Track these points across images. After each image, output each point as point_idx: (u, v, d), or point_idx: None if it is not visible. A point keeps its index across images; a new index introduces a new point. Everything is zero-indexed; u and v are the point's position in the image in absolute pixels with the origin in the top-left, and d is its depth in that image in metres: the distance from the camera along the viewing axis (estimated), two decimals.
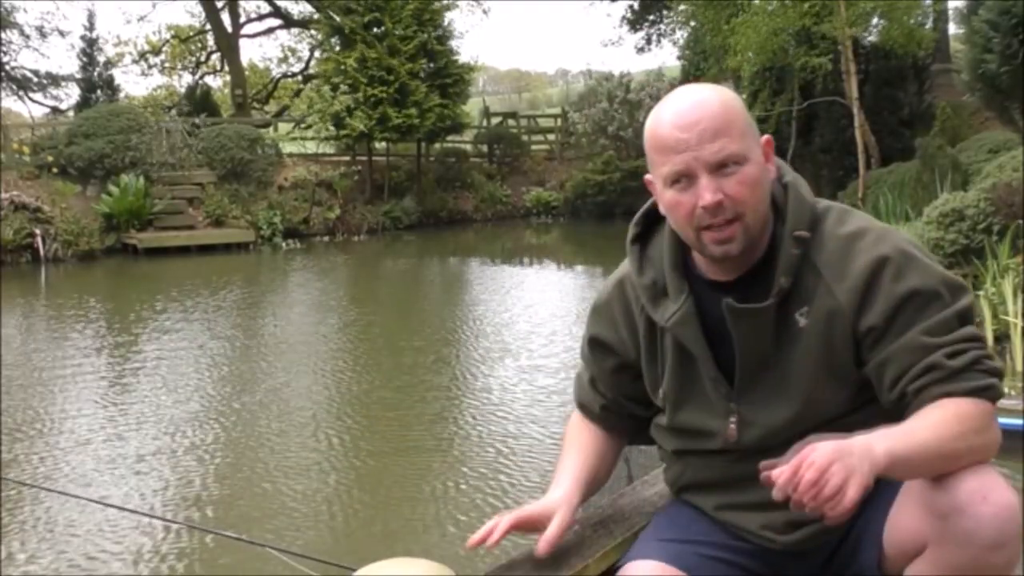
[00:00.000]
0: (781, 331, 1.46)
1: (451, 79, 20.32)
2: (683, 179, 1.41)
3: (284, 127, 23.35)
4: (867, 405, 1.48)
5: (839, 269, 1.44)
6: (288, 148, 21.56)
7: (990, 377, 1.40)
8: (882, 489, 1.47)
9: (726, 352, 1.50)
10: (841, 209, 1.52)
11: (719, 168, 1.39)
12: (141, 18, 39.28)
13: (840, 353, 1.45)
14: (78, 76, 22.03)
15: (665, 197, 1.46)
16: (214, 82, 28.92)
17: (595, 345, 1.69)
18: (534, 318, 10.12)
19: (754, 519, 1.55)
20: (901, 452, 1.28)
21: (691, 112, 1.41)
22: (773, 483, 1.24)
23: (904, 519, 1.41)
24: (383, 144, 20.82)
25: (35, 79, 24.00)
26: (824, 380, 1.46)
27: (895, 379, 1.40)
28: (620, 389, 1.68)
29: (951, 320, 1.40)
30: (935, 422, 1.33)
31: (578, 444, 1.72)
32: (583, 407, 1.75)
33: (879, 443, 1.28)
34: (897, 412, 1.42)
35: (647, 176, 1.52)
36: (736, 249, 1.43)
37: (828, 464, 1.22)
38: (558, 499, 1.60)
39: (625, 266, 1.64)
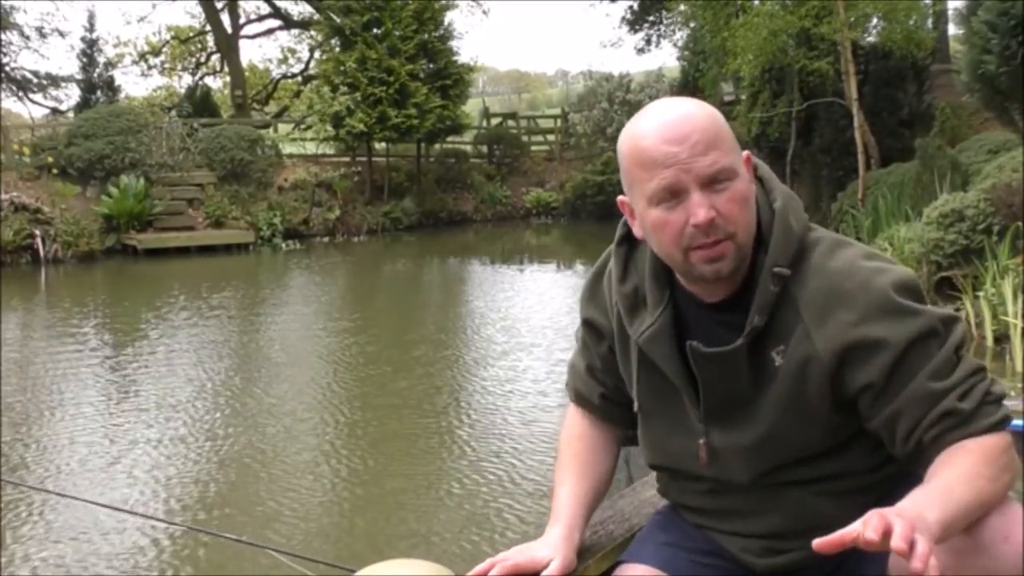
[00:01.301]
0: (757, 368, 1.40)
1: (451, 79, 20.33)
2: (672, 196, 1.32)
3: (284, 128, 23.36)
4: (841, 448, 1.44)
5: (820, 314, 1.36)
6: (288, 149, 21.58)
7: (1000, 407, 1.36)
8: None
9: None
10: (832, 241, 1.42)
11: (711, 183, 1.31)
12: (141, 19, 39.57)
13: (812, 399, 1.38)
14: (78, 77, 22.05)
15: (649, 217, 1.35)
16: (214, 83, 28.97)
17: (590, 328, 1.61)
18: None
19: (733, 542, 1.53)
20: (950, 519, 1.22)
21: (680, 125, 1.32)
22: (831, 548, 1.14)
23: None
24: (383, 145, 20.82)
25: (35, 80, 24.02)
26: (794, 421, 1.40)
27: (909, 431, 1.35)
28: (619, 374, 1.58)
29: (951, 357, 1.35)
30: (968, 473, 1.28)
31: (575, 461, 1.63)
32: (581, 398, 1.66)
33: (930, 512, 1.20)
34: (910, 460, 1.39)
35: (621, 198, 1.43)
36: (727, 268, 1.35)
37: (914, 529, 1.13)
38: (555, 540, 1.51)
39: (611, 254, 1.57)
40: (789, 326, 1.38)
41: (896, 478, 1.48)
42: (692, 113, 1.35)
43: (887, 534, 1.10)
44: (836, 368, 1.36)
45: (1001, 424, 1.35)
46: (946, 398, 1.33)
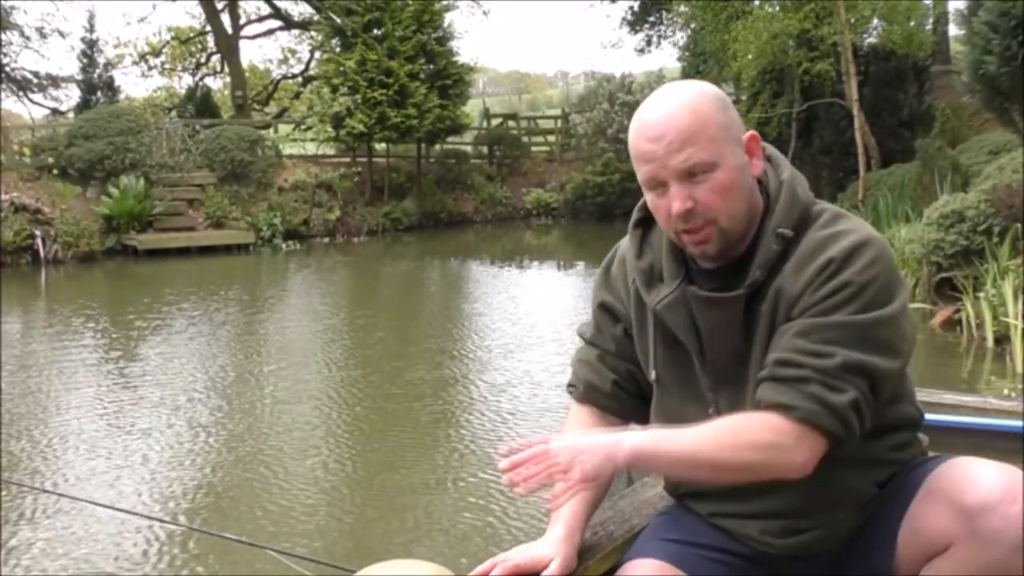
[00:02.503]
0: (750, 323, 1.47)
1: (451, 80, 20.33)
2: (657, 186, 1.45)
3: (284, 128, 23.36)
4: None
5: (803, 263, 1.44)
6: (288, 150, 21.58)
7: (816, 404, 1.36)
8: (896, 490, 1.49)
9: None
10: (834, 212, 1.50)
11: (689, 176, 1.42)
12: (141, 19, 39.50)
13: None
14: (78, 77, 22.04)
15: (648, 200, 1.51)
16: (214, 83, 28.95)
17: (604, 311, 1.67)
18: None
19: (752, 526, 1.55)
20: (647, 450, 1.39)
21: (658, 124, 1.43)
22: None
23: (926, 518, 1.40)
24: (383, 146, 20.83)
25: (35, 80, 24.00)
26: None
27: (760, 367, 1.45)
28: (632, 358, 1.64)
29: (838, 332, 1.37)
30: (709, 429, 1.40)
31: None
32: (591, 389, 1.68)
33: (629, 439, 1.38)
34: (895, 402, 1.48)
35: None
36: (712, 249, 1.46)
37: (557, 449, 1.36)
38: (556, 541, 1.54)
39: (626, 242, 1.65)
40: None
41: (910, 457, 1.54)
42: (674, 110, 1.44)
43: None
44: (797, 303, 1.43)
45: (793, 410, 1.37)
46: (786, 353, 1.40)
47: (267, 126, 23.21)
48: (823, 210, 1.50)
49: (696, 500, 1.63)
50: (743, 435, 1.37)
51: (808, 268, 1.42)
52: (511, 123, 26.21)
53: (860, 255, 1.41)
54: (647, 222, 1.61)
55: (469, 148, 24.51)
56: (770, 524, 1.52)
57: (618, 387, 1.66)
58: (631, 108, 21.53)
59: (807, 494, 1.48)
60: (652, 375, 1.60)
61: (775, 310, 1.45)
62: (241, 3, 25.95)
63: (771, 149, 1.56)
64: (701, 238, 1.45)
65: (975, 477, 1.35)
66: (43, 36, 23.91)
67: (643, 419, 1.66)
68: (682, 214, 1.42)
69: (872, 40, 14.84)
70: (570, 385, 1.73)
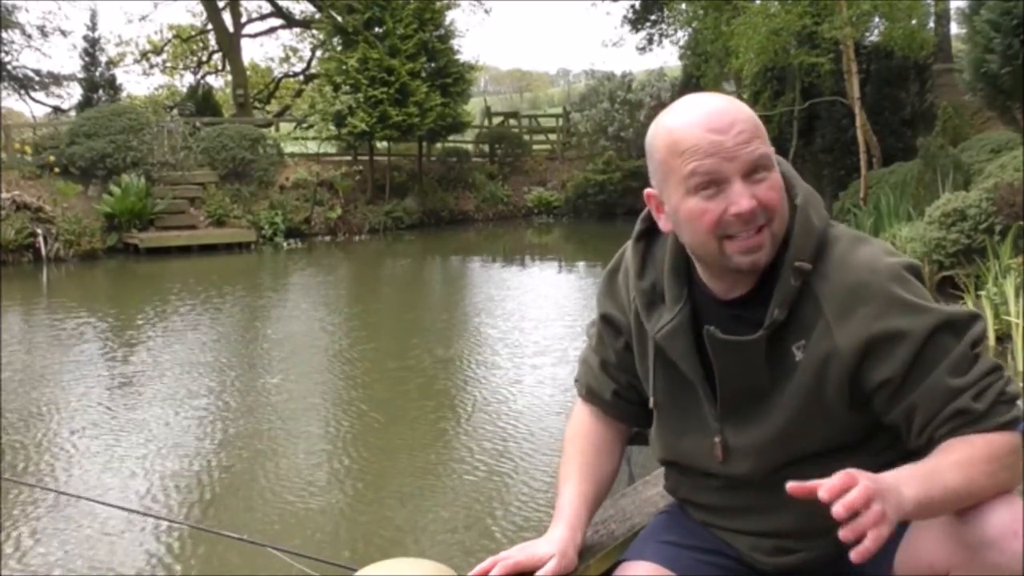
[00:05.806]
0: (776, 362, 1.41)
1: (452, 78, 20.34)
2: (712, 185, 1.33)
3: (286, 127, 23.37)
4: (850, 448, 1.45)
5: (842, 309, 1.37)
6: (289, 148, 21.58)
7: (1013, 407, 1.36)
8: None
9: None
10: (852, 237, 1.44)
11: (751, 173, 1.33)
12: (143, 18, 39.47)
13: (830, 394, 1.39)
14: (80, 76, 22.06)
15: (685, 207, 1.36)
16: (216, 82, 29.00)
17: (607, 323, 1.62)
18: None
19: (743, 541, 1.53)
20: (926, 499, 1.26)
21: (723, 115, 1.34)
22: (800, 493, 1.18)
23: (923, 545, 1.38)
24: (384, 144, 20.83)
25: (37, 78, 24.03)
26: (810, 416, 1.41)
27: (923, 426, 1.37)
28: (633, 370, 1.59)
29: (968, 353, 1.36)
30: (963, 461, 1.31)
31: (579, 459, 1.63)
32: (592, 395, 1.66)
33: (908, 488, 1.24)
34: (923, 454, 1.39)
35: (649, 190, 1.44)
36: (763, 258, 1.36)
37: (871, 497, 1.16)
38: (557, 540, 1.52)
39: (630, 250, 1.57)
40: (810, 321, 1.39)
41: None
42: (731, 105, 1.37)
43: (844, 493, 1.15)
44: (857, 363, 1.37)
45: (1011, 424, 1.35)
46: (961, 396, 1.34)
47: (268, 124, 23.22)
48: (838, 236, 1.43)
49: (691, 507, 1.62)
50: (994, 461, 1.32)
51: (854, 320, 1.36)
52: (512, 121, 26.22)
53: (907, 279, 1.38)
54: (650, 235, 1.53)
55: (470, 146, 24.51)
56: (760, 542, 1.51)
57: (618, 396, 1.64)
58: (632, 106, 21.60)
59: (797, 517, 1.44)
60: (651, 401, 1.55)
61: (824, 361, 1.38)
62: (242, 1, 25.99)
63: (785, 165, 1.46)
64: (757, 243, 1.34)
65: (974, 509, 1.32)
66: (44, 35, 23.98)
67: (644, 423, 1.64)
68: (748, 213, 1.31)
69: (873, 39, 14.83)
70: (576, 380, 1.72)
